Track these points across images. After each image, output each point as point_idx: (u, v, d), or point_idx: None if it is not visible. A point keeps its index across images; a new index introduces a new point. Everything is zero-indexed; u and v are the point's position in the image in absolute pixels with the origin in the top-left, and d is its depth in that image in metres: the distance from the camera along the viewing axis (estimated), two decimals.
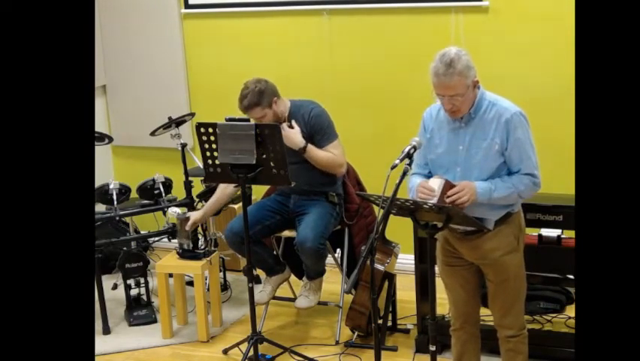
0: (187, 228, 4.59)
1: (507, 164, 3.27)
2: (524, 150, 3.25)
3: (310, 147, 4.33)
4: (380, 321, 4.35)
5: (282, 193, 4.58)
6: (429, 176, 3.38)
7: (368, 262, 3.12)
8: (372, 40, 5.24)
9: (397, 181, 3.08)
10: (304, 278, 4.55)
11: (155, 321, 4.85)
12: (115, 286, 5.33)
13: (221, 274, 5.21)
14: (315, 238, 4.26)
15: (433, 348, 3.31)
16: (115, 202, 4.89)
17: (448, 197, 3.16)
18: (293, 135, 4.30)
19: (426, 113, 3.44)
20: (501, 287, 3.39)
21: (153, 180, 5.03)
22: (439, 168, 3.36)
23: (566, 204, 3.88)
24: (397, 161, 3.14)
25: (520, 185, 3.25)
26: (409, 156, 3.19)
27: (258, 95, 4.28)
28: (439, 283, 3.48)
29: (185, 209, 4.85)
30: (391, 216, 3.17)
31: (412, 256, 4.39)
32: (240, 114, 4.21)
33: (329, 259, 4.74)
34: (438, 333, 3.39)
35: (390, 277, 4.45)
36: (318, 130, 4.38)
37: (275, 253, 4.72)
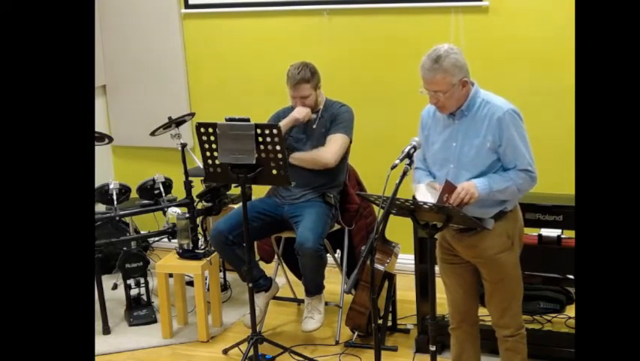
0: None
1: (501, 161, 3.28)
2: (517, 147, 3.25)
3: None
4: (380, 321, 4.35)
5: (277, 195, 4.57)
6: (430, 171, 3.40)
7: (368, 262, 3.12)
8: (372, 41, 5.24)
9: (397, 181, 3.08)
10: (305, 297, 4.50)
11: (155, 321, 4.85)
12: (115, 286, 5.33)
13: (221, 274, 5.21)
14: (315, 238, 4.23)
15: (433, 348, 3.31)
16: (115, 202, 4.88)
17: (448, 199, 3.16)
18: (297, 114, 4.37)
19: (424, 111, 3.46)
20: (497, 287, 3.39)
21: (153, 180, 5.03)
22: (433, 164, 3.39)
23: (566, 204, 3.89)
24: (397, 161, 3.15)
25: (517, 179, 3.26)
26: (409, 156, 3.20)
27: (311, 73, 4.39)
28: (439, 283, 3.49)
29: (185, 209, 4.85)
30: (391, 216, 3.17)
31: (412, 256, 4.39)
32: (240, 114, 4.20)
33: (329, 259, 4.74)
34: (438, 333, 3.39)
35: (390, 277, 4.45)
36: (339, 119, 4.45)
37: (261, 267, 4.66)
